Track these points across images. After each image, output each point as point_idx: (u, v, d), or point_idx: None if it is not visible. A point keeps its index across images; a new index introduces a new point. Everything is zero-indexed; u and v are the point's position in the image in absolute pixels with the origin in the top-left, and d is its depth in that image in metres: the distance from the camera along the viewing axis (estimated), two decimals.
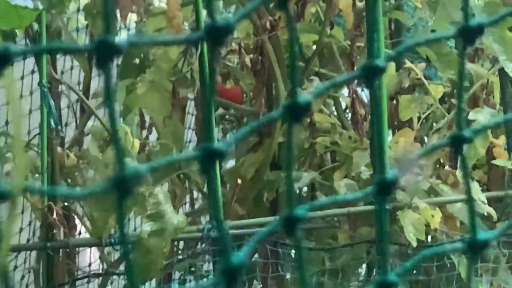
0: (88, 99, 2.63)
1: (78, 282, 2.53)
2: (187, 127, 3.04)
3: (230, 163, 2.86)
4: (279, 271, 2.51)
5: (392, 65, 2.63)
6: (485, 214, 2.43)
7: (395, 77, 2.67)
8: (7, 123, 2.61)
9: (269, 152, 2.66)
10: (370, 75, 0.57)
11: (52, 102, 2.31)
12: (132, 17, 2.82)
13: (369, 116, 2.64)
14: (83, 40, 2.90)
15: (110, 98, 0.48)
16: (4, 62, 0.48)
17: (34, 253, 2.57)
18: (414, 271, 2.50)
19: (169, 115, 2.56)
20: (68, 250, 2.35)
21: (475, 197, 2.38)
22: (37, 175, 2.32)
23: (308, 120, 2.68)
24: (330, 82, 0.62)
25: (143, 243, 2.17)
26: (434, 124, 2.79)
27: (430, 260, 2.43)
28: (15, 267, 2.63)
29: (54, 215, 2.24)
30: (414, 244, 2.32)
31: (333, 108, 2.93)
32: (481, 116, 2.53)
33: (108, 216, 2.26)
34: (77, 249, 2.54)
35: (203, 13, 2.24)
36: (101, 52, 0.49)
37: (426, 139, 2.77)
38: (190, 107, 2.99)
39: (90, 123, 2.72)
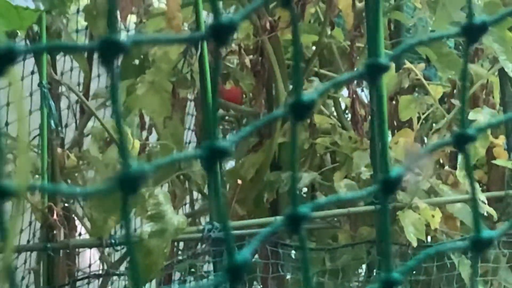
0: (88, 100, 2.63)
1: (78, 283, 2.53)
2: (186, 128, 3.03)
3: (230, 164, 2.86)
4: (279, 272, 2.50)
5: (392, 66, 2.63)
6: (485, 214, 2.43)
7: (395, 77, 2.67)
8: (7, 124, 2.61)
9: (269, 153, 2.66)
10: (374, 73, 0.57)
11: (52, 103, 2.31)
12: (132, 19, 2.82)
13: (369, 117, 2.64)
14: (82, 41, 2.90)
15: (116, 95, 0.48)
16: (9, 61, 0.48)
17: (34, 254, 2.57)
18: (414, 271, 2.51)
19: (169, 116, 2.56)
20: (68, 251, 2.35)
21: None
22: (37, 176, 2.32)
23: (308, 120, 2.68)
24: (333, 81, 0.62)
25: (143, 244, 2.17)
26: (434, 124, 2.79)
27: (431, 260, 2.43)
28: (16, 268, 2.63)
29: (55, 216, 2.24)
30: (415, 244, 2.32)
31: (333, 108, 2.93)
32: (481, 116, 2.53)
33: (108, 216, 2.26)
34: (77, 250, 2.54)
35: (203, 13, 2.24)
36: (105, 51, 0.49)
37: (426, 139, 2.77)
38: (190, 108, 2.99)
39: (90, 124, 2.71)
